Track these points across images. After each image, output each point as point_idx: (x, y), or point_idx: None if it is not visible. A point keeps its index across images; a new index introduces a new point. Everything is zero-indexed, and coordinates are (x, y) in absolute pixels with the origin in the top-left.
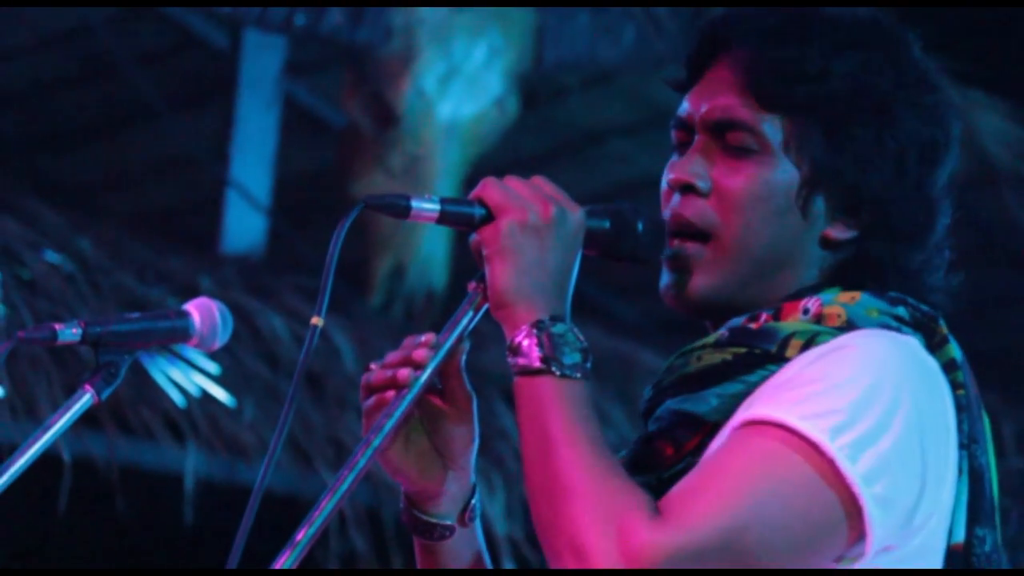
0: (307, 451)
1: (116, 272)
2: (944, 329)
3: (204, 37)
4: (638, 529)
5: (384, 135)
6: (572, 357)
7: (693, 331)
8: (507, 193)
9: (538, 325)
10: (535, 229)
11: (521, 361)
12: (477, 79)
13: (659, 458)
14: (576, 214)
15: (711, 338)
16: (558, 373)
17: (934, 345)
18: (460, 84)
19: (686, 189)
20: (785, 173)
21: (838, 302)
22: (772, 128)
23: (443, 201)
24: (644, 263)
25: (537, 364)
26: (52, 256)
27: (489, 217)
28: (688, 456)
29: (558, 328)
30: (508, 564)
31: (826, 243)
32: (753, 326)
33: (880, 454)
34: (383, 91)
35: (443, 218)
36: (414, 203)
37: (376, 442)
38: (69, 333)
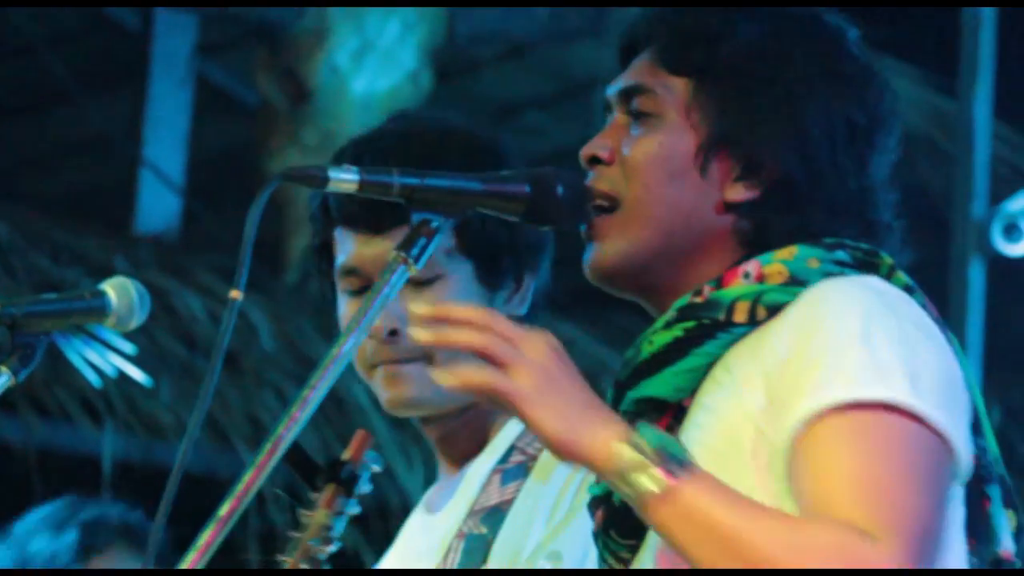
0: (224, 429)
1: (30, 253)
2: (889, 259)
3: (116, 18)
4: (869, 557)
5: (298, 112)
6: (677, 451)
7: (611, 302)
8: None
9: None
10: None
11: (647, 488)
12: (391, 54)
13: None
14: (542, 334)
15: (659, 322)
16: (686, 477)
17: (883, 277)
18: (374, 59)
19: (593, 162)
20: (683, 136)
21: (777, 259)
22: (672, 92)
23: (362, 170)
24: (565, 227)
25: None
26: None
27: None
28: None
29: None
30: None
31: (726, 206)
32: (698, 299)
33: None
34: (296, 68)
35: (363, 186)
36: (332, 173)
37: (300, 415)
38: None
